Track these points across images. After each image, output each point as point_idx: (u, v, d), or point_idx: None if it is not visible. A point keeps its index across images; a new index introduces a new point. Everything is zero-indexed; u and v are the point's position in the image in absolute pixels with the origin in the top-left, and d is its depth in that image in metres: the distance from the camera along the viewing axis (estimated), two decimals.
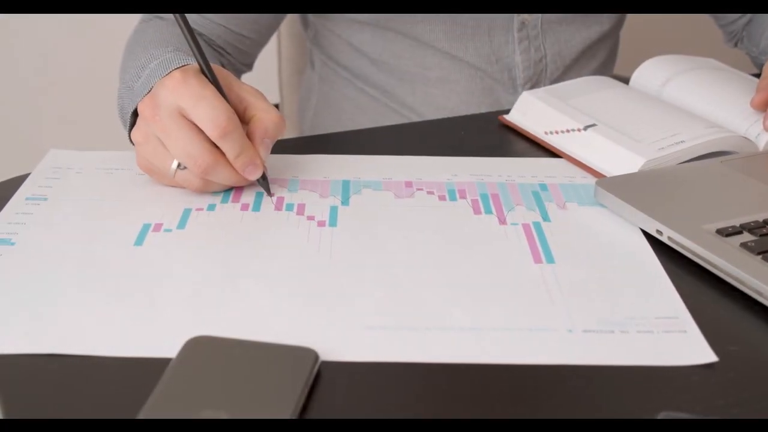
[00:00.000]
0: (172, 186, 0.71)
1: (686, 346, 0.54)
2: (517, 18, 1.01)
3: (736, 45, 1.13)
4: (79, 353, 0.52)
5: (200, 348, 0.52)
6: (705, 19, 1.17)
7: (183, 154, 0.67)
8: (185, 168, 0.68)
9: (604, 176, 0.75)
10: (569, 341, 0.54)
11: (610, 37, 1.12)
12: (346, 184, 0.74)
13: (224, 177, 0.69)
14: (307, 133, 1.16)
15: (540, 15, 1.02)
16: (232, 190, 0.72)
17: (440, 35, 1.01)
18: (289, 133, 1.31)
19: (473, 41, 1.02)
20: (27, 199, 0.70)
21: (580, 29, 1.06)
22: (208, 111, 0.66)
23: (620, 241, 0.66)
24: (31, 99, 1.95)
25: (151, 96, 0.69)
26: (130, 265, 0.61)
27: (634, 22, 1.19)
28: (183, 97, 0.66)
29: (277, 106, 1.33)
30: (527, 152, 0.82)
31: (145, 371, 0.51)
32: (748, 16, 1.09)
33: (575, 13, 1.03)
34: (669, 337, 0.55)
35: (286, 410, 0.47)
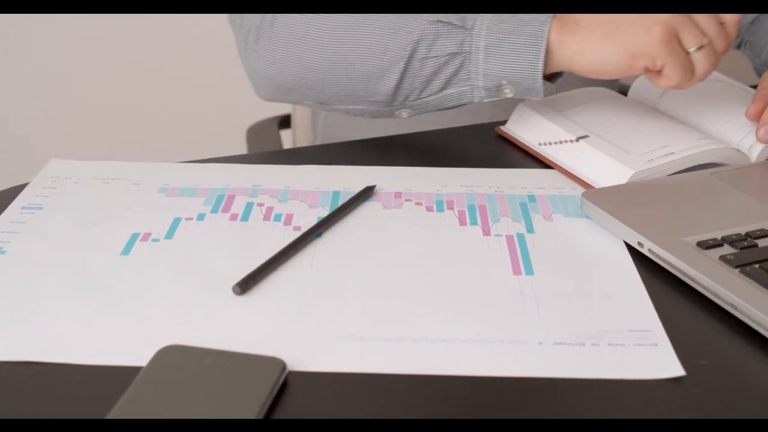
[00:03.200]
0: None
1: (656, 359, 0.54)
2: None
3: (739, 47, 1.13)
4: (58, 361, 0.54)
5: (171, 356, 0.53)
6: None
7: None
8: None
9: (593, 188, 0.75)
10: (539, 354, 0.55)
11: None
12: (336, 195, 0.74)
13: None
14: (319, 141, 1.17)
15: None
16: (223, 200, 0.73)
17: None
18: (300, 142, 1.33)
19: None
20: (23, 208, 0.72)
21: None
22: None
23: (602, 253, 0.66)
24: (39, 106, 1.98)
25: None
26: (115, 274, 0.63)
27: None
28: None
29: (288, 116, 1.34)
30: (521, 163, 0.82)
31: (121, 379, 0.52)
32: (750, 18, 1.08)
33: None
34: (639, 350, 0.55)
35: (247, 417, 0.48)
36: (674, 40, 0.72)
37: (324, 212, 0.72)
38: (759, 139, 0.77)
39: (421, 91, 0.80)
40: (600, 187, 0.74)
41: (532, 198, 0.74)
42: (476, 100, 0.80)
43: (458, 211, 0.72)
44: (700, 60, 0.74)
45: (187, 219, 0.70)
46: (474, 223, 0.70)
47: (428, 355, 0.54)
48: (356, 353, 0.55)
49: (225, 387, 0.50)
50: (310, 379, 0.53)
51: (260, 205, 0.73)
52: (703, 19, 0.73)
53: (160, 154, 0.92)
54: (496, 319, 0.58)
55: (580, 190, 0.75)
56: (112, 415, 0.48)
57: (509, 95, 0.78)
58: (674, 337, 0.57)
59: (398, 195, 0.75)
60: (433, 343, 0.56)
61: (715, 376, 0.53)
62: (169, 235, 0.68)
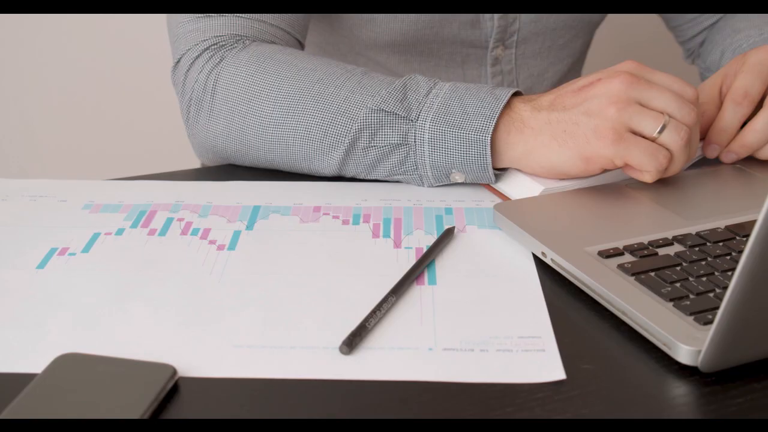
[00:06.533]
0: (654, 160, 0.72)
1: (540, 364, 0.56)
2: (490, 53, 1.04)
3: (693, 62, 1.16)
4: None
5: (66, 363, 0.54)
6: (669, 37, 1.19)
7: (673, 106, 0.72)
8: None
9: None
10: (426, 359, 0.56)
11: (579, 65, 1.15)
12: (255, 210, 0.76)
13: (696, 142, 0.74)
14: None
15: (513, 50, 1.04)
16: (144, 215, 0.75)
17: (414, 66, 1.04)
18: None
19: (446, 73, 1.05)
20: None
21: (554, 63, 1.09)
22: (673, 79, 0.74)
23: (508, 263, 0.68)
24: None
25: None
26: (27, 287, 0.64)
27: (598, 43, 1.22)
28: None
29: None
30: None
31: (19, 386, 0.52)
32: (703, 36, 1.11)
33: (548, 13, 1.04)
34: (526, 355, 0.57)
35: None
36: (627, 135, 0.70)
37: (242, 226, 0.73)
38: (707, 155, 0.81)
39: (368, 174, 0.80)
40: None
41: (449, 210, 0.76)
42: (426, 186, 0.80)
43: (373, 224, 0.74)
44: (667, 139, 0.71)
45: (105, 234, 0.72)
46: (386, 236, 0.72)
47: (317, 362, 0.56)
48: (249, 360, 0.56)
49: (114, 391, 0.52)
50: (202, 385, 0.54)
51: (180, 220, 0.74)
52: (656, 97, 0.71)
53: (116, 168, 0.95)
54: (390, 328, 0.59)
55: (498, 201, 0.77)
56: None
57: (460, 181, 0.78)
58: (564, 343, 0.58)
59: (317, 209, 0.76)
60: (325, 351, 0.57)
61: (594, 380, 0.54)
62: (86, 249, 0.69)
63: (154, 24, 1.55)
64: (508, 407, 0.52)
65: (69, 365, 0.54)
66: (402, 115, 0.76)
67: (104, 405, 0.51)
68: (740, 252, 0.64)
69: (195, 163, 1.24)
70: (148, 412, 0.51)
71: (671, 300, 0.59)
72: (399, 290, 0.63)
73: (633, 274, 0.62)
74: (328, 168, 0.80)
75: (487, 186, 0.80)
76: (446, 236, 0.70)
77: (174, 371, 0.54)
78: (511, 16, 1.01)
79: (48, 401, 0.51)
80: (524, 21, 1.02)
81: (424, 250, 0.69)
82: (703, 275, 0.62)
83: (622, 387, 0.54)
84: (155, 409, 0.51)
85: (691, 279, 0.62)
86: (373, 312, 0.60)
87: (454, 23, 0.99)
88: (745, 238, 0.67)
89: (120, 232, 0.72)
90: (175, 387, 0.54)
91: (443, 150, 0.76)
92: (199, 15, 0.86)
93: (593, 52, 1.19)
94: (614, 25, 1.37)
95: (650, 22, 1.27)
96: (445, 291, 0.64)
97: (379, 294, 0.62)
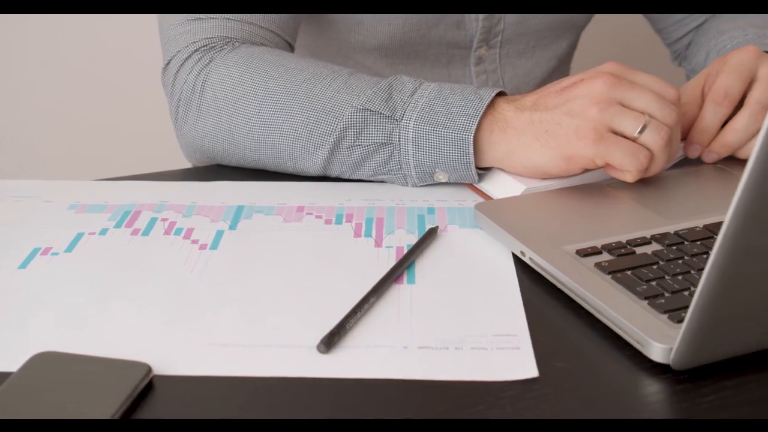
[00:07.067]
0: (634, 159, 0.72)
1: (514, 362, 0.56)
2: (474, 53, 1.04)
3: (680, 64, 1.17)
4: None
5: (42, 362, 0.55)
6: (657, 40, 1.20)
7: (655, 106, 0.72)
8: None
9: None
10: (401, 357, 0.57)
11: (566, 65, 1.16)
12: (239, 209, 0.76)
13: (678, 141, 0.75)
14: None
15: (498, 50, 1.05)
16: (128, 215, 0.75)
17: (401, 68, 1.05)
18: None
19: (432, 74, 1.05)
20: None
21: (540, 63, 1.10)
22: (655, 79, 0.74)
23: (487, 262, 0.68)
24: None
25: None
26: (8, 286, 0.65)
27: (587, 45, 1.22)
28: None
29: None
30: None
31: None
32: (689, 37, 1.12)
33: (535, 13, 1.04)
34: (501, 353, 0.57)
35: (103, 416, 0.50)
36: (608, 135, 0.71)
37: (225, 226, 0.74)
38: (689, 155, 0.82)
39: (353, 173, 0.81)
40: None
41: (431, 210, 0.76)
42: (410, 185, 0.80)
43: (355, 224, 0.74)
44: (648, 139, 0.71)
45: (89, 234, 0.72)
46: (368, 235, 0.72)
47: (295, 360, 0.56)
48: (227, 358, 0.56)
49: (87, 390, 0.52)
50: (179, 383, 0.55)
51: (164, 220, 0.75)
52: (638, 98, 0.72)
53: (107, 168, 0.95)
54: (367, 326, 0.60)
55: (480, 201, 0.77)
56: None
57: (443, 180, 0.79)
58: (540, 341, 0.58)
59: (300, 209, 0.77)
60: (299, 349, 0.57)
61: (568, 378, 0.55)
62: (69, 249, 0.70)
63: (146, 26, 1.57)
64: (480, 405, 0.52)
65: (45, 364, 0.55)
66: (387, 115, 0.77)
67: (77, 404, 0.51)
68: None
69: (184, 164, 1.25)
70: (120, 411, 0.51)
71: (646, 298, 0.59)
72: (380, 290, 0.63)
73: (609, 273, 0.63)
74: (314, 167, 0.80)
75: (470, 186, 0.80)
76: (429, 236, 0.71)
77: (149, 369, 0.54)
78: (496, 16, 1.01)
79: (22, 400, 0.51)
80: (509, 22, 1.02)
81: (405, 249, 0.70)
82: (679, 273, 0.62)
83: (595, 385, 0.54)
84: (128, 407, 0.52)
85: (667, 277, 0.62)
86: (353, 312, 0.60)
87: (440, 25, 1.00)
88: None
89: (103, 232, 0.73)
90: (150, 385, 0.54)
91: (427, 149, 0.76)
92: (190, 18, 0.86)
93: (581, 53, 1.19)
94: (603, 26, 1.38)
95: (639, 24, 1.28)
96: (423, 290, 0.64)
97: (359, 292, 0.62)
